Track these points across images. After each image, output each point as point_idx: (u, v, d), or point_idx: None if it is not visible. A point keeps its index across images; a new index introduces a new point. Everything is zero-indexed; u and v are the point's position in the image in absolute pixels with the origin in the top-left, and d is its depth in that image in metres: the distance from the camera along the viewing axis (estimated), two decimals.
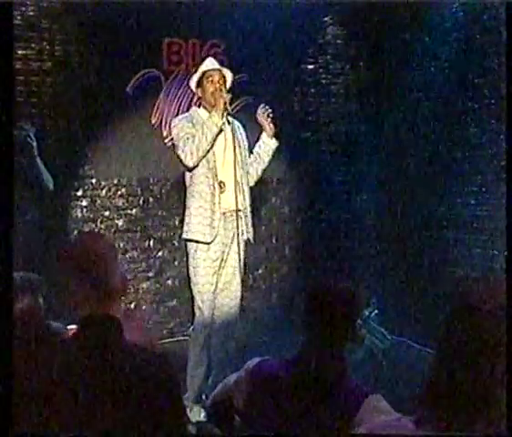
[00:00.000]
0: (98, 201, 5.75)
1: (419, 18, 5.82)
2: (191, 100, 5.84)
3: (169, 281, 5.97)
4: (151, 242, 5.94)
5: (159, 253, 5.95)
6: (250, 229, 4.28)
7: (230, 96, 4.17)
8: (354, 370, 2.06)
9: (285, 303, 6.15)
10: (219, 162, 4.14)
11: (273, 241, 6.34)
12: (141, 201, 5.88)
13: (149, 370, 1.93)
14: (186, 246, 4.25)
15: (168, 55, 5.84)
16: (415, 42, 5.90)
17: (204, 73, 4.20)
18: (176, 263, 5.95)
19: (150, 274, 5.94)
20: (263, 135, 4.40)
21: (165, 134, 5.87)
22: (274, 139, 4.40)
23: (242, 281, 4.33)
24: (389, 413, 1.85)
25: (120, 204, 5.83)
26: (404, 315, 5.81)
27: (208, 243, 4.10)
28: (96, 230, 5.67)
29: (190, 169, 4.11)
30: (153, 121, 5.84)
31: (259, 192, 5.99)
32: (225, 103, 4.08)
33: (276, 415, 2.00)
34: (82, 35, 5.56)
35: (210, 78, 4.18)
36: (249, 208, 4.28)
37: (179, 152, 4.09)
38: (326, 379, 1.99)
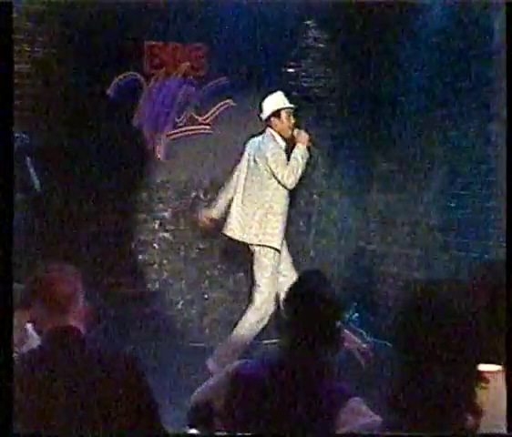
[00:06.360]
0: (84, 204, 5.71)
1: (402, 21, 5.83)
2: (172, 103, 5.85)
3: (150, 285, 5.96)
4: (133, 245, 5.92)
5: (140, 256, 5.93)
6: None
7: None
8: (334, 372, 2.06)
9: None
10: None
11: None
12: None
13: (114, 375, 2.02)
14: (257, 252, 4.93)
15: (150, 57, 5.82)
16: (398, 45, 5.91)
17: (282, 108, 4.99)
18: (155, 266, 5.94)
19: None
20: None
21: (146, 136, 5.85)
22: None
23: None
24: (369, 416, 1.86)
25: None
26: (384, 317, 5.82)
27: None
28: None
29: (288, 188, 4.95)
30: (134, 124, 5.82)
31: None
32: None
33: (256, 417, 2.00)
34: (62, 36, 5.54)
35: (286, 115, 5.01)
36: None
37: (292, 175, 4.85)
38: (306, 381, 1.99)
